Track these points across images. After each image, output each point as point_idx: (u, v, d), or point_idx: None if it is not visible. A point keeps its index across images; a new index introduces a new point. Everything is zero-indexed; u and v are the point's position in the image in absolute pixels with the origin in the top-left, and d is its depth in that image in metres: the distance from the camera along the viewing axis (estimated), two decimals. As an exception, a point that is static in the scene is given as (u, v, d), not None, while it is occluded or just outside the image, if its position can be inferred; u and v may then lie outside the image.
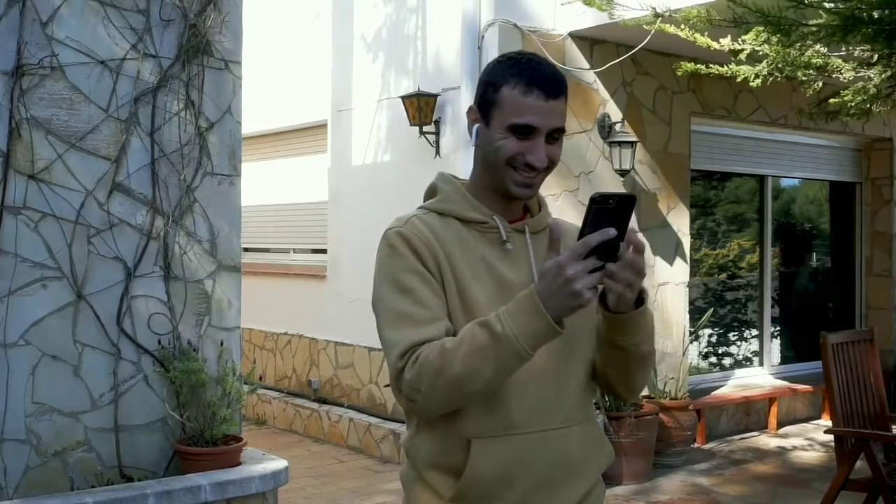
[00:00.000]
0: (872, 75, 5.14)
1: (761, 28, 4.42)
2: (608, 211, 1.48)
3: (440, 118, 6.34)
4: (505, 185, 1.75)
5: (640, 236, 1.55)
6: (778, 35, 4.42)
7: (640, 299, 1.64)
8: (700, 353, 7.80)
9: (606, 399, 5.76)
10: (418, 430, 1.78)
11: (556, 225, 1.61)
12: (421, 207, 1.82)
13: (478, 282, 1.72)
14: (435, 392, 1.61)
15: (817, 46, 4.64)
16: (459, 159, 5.99)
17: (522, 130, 1.71)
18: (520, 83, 1.72)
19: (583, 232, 1.50)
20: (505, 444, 1.70)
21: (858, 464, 4.44)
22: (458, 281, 1.71)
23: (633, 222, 1.52)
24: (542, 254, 1.74)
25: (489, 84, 1.77)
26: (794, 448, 6.99)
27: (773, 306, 8.26)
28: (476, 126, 1.80)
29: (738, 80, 5.03)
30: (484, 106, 1.77)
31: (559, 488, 1.75)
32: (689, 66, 5.20)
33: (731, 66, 5.01)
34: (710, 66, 5.10)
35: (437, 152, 6.37)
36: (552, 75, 1.74)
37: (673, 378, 6.61)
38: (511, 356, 1.57)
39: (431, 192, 1.86)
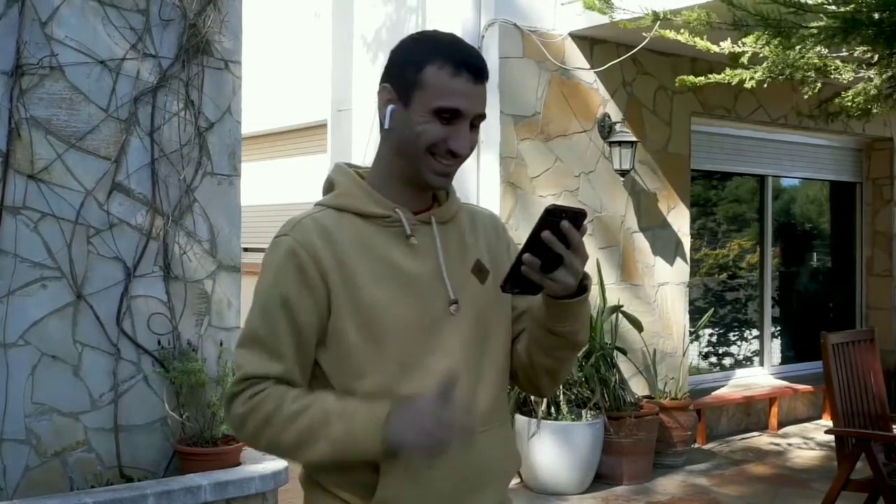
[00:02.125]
0: (872, 76, 5.14)
1: (761, 31, 4.42)
2: (558, 222, 1.48)
3: (440, 118, 6.34)
4: (420, 174, 1.62)
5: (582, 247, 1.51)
6: (778, 38, 4.42)
7: (583, 286, 1.57)
8: (700, 353, 7.80)
9: (606, 399, 5.75)
10: None
11: (453, 372, 1.52)
12: (318, 204, 1.69)
13: (379, 283, 1.60)
14: (256, 441, 1.60)
15: (818, 48, 4.64)
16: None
17: (448, 115, 1.58)
18: (447, 63, 1.58)
19: (531, 236, 1.48)
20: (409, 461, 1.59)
21: (859, 464, 4.43)
22: (351, 287, 1.59)
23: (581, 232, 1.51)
24: (450, 245, 1.68)
25: (409, 63, 1.62)
26: (795, 448, 6.98)
27: (773, 306, 8.25)
28: (391, 107, 1.63)
29: (734, 84, 5.04)
30: (402, 86, 1.61)
31: (471, 498, 1.65)
32: (690, 79, 5.23)
33: (727, 72, 5.02)
34: (710, 76, 5.11)
35: (437, 152, 6.37)
36: (479, 57, 1.63)
37: (673, 378, 6.61)
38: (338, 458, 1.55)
39: (329, 187, 1.73)
